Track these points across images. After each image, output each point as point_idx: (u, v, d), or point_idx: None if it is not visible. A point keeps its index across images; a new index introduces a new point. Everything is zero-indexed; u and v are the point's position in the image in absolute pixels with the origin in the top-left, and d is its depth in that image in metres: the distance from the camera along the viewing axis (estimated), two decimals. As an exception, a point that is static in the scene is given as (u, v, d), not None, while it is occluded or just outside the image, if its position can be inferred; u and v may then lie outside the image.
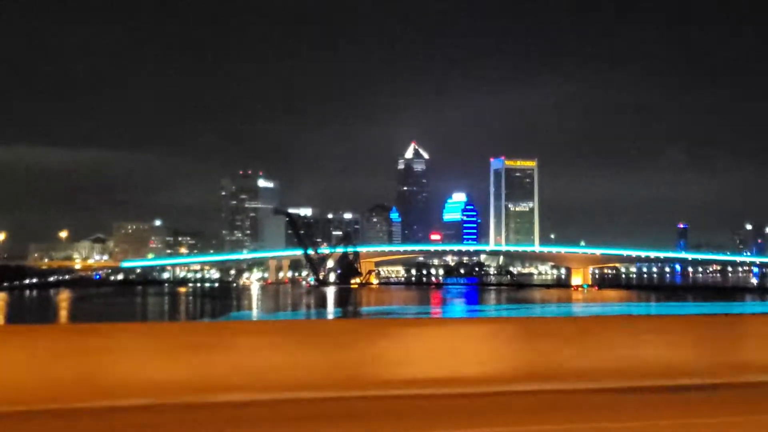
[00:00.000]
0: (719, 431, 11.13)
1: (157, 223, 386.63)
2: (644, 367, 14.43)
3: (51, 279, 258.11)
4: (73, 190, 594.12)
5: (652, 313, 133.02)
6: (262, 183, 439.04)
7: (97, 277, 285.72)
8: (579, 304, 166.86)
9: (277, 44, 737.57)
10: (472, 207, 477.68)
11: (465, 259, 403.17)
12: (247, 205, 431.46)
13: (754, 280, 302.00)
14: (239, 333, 14.49)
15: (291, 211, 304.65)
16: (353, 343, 13.79)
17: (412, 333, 14.42)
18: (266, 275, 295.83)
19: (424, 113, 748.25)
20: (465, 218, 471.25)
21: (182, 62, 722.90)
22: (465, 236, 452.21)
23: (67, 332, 14.20)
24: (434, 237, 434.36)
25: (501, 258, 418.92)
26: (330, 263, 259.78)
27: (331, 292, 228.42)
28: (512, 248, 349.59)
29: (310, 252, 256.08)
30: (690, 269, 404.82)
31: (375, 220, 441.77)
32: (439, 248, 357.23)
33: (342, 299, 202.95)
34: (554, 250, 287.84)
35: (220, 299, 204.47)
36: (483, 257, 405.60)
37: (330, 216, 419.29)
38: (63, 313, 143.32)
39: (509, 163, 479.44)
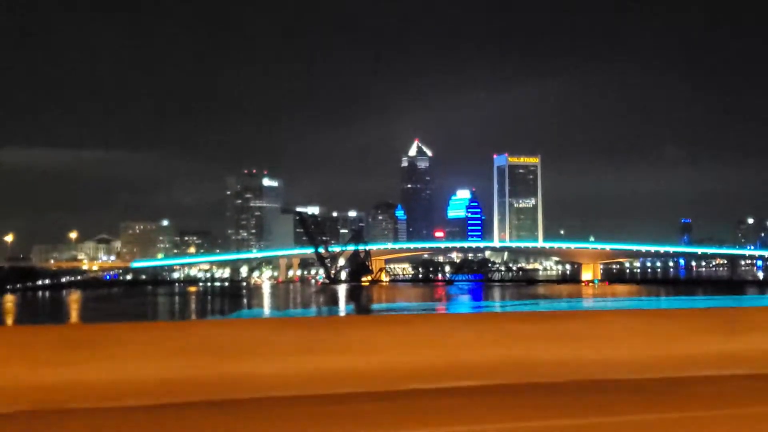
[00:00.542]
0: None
1: (165, 223, 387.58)
2: None
3: (63, 280, 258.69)
4: (74, 190, 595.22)
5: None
6: (266, 182, 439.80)
7: (107, 277, 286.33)
8: (602, 299, 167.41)
9: (279, 44, 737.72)
10: (476, 204, 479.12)
11: (470, 255, 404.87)
12: (251, 204, 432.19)
13: (760, 274, 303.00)
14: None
15: (299, 209, 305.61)
16: None
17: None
18: (276, 274, 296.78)
19: (427, 111, 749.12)
20: (469, 215, 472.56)
21: (184, 62, 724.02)
22: (470, 233, 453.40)
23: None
24: (438, 234, 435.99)
25: (506, 254, 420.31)
26: (341, 261, 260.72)
27: (342, 289, 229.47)
28: (522, 244, 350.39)
29: (321, 250, 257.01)
30: (693, 263, 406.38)
31: (380, 217, 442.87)
32: (449, 245, 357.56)
33: (353, 297, 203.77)
34: (564, 245, 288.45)
35: (232, 298, 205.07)
36: (488, 253, 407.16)
37: (335, 214, 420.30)
38: (84, 314, 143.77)
39: (512, 159, 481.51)
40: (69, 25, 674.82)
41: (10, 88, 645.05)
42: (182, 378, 10.96)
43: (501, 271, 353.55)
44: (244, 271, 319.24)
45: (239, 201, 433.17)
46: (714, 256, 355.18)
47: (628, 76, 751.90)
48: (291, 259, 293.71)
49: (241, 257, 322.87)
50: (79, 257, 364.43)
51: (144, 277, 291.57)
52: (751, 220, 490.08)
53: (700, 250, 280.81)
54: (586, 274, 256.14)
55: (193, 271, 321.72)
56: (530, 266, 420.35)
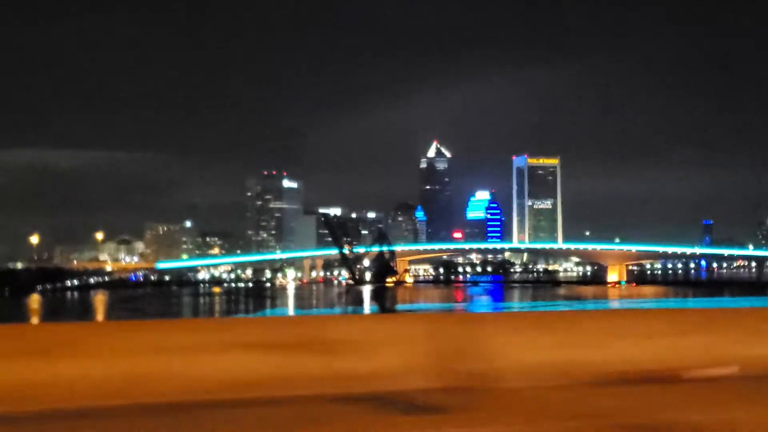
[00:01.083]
0: None
1: (188, 224, 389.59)
2: None
3: (91, 281, 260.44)
4: (92, 191, 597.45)
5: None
6: (286, 183, 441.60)
7: (133, 278, 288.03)
8: (639, 300, 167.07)
9: (297, 43, 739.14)
10: (495, 205, 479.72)
11: (489, 257, 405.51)
12: (272, 206, 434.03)
13: None
14: None
15: (322, 210, 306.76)
16: None
17: None
18: (300, 275, 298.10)
19: (445, 112, 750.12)
20: (489, 216, 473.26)
21: (200, 61, 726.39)
22: (489, 234, 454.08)
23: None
24: (456, 235, 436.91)
25: (525, 255, 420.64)
26: (365, 262, 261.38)
27: (367, 290, 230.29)
28: (546, 245, 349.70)
29: (346, 251, 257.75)
30: (715, 265, 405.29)
31: (400, 218, 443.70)
32: (471, 246, 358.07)
33: (378, 297, 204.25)
34: (589, 246, 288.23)
35: (257, 298, 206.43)
36: (507, 254, 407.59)
37: (354, 215, 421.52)
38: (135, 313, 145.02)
39: (532, 161, 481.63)
40: (88, 24, 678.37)
41: (29, 89, 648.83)
42: None
43: (531, 271, 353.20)
44: (267, 272, 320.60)
45: (259, 202, 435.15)
46: (736, 257, 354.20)
47: (645, 76, 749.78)
48: (315, 260, 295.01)
49: (266, 258, 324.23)
50: (101, 258, 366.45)
51: (167, 278, 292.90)
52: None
53: (726, 252, 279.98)
54: (612, 276, 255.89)
55: (218, 272, 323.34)
56: (550, 267, 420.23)
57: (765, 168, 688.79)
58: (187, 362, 11.62)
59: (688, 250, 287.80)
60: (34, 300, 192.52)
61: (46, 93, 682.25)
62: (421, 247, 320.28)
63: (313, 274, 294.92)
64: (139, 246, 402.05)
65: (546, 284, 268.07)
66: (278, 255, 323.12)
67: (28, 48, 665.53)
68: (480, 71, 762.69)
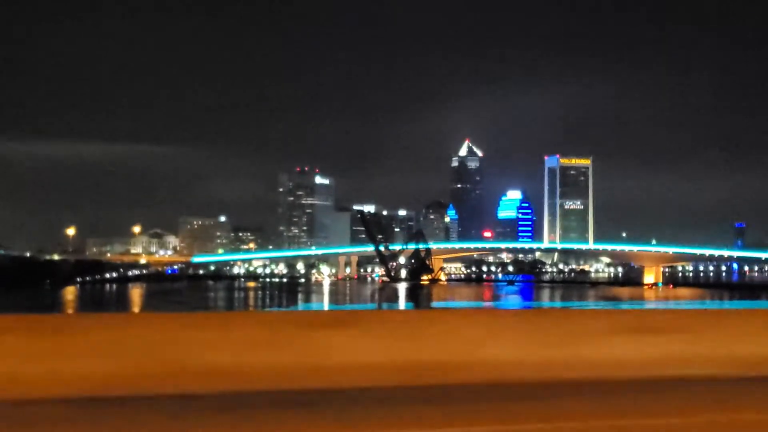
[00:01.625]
0: None
1: (222, 218, 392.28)
2: None
3: (130, 274, 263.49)
4: (121, 184, 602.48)
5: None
6: (318, 180, 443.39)
7: (169, 271, 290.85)
8: (685, 301, 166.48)
9: (332, 43, 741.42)
10: (528, 204, 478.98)
11: (520, 256, 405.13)
12: (303, 202, 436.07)
13: None
14: None
15: (358, 208, 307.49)
16: None
17: None
18: (334, 271, 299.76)
19: (477, 111, 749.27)
20: (521, 215, 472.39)
21: (236, 59, 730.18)
22: (520, 233, 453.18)
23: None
24: (486, 234, 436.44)
25: (556, 255, 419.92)
26: (401, 259, 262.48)
27: (402, 287, 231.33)
28: (579, 246, 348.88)
29: (382, 248, 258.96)
30: (746, 268, 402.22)
31: (432, 217, 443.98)
32: (507, 245, 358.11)
33: (413, 294, 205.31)
34: (626, 248, 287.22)
35: (292, 293, 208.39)
36: (537, 254, 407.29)
37: (385, 213, 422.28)
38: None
39: (564, 161, 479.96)
40: (121, 20, 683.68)
41: (59, 81, 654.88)
42: None
43: (562, 271, 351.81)
44: (299, 267, 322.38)
45: (291, 198, 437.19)
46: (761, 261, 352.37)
47: (679, 79, 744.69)
48: (349, 257, 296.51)
49: (300, 254, 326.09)
50: (133, 251, 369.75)
51: (201, 272, 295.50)
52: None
53: (764, 255, 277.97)
54: (648, 278, 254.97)
55: (252, 267, 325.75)
56: (581, 268, 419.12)
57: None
58: None
59: (725, 253, 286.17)
60: (70, 292, 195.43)
61: (78, 86, 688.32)
62: (456, 246, 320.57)
63: (347, 270, 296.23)
64: (171, 239, 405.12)
65: (580, 284, 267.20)
66: (313, 251, 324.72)
67: (65, 43, 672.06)
68: (513, 71, 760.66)
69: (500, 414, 10.57)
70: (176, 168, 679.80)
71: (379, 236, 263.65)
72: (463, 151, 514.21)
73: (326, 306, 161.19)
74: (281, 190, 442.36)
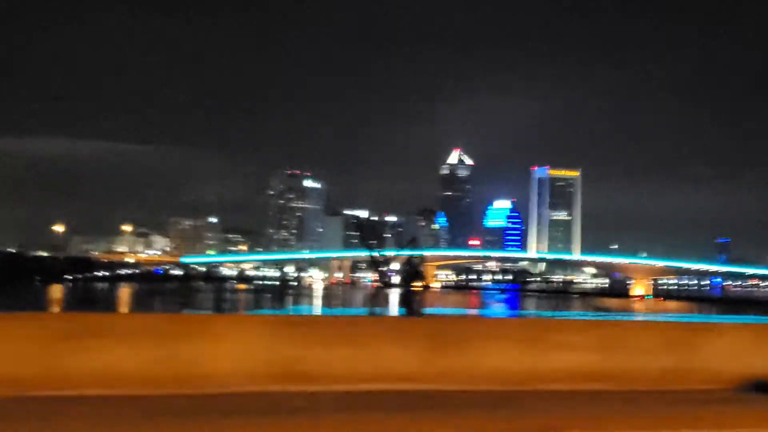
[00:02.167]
0: None
1: (213, 220, 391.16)
2: None
3: (121, 272, 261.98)
4: (106, 183, 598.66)
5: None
6: (309, 183, 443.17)
7: (158, 271, 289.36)
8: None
9: (323, 47, 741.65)
10: (517, 214, 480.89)
11: (508, 265, 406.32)
12: (293, 205, 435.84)
13: None
14: None
15: (348, 212, 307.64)
16: None
17: None
18: (327, 275, 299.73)
19: (468, 120, 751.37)
20: (509, 225, 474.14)
21: (226, 61, 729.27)
22: (507, 243, 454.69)
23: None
24: (473, 242, 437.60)
25: (543, 265, 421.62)
26: (395, 265, 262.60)
27: (395, 293, 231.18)
28: (570, 256, 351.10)
29: (375, 254, 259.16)
30: (729, 283, 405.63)
31: (422, 224, 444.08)
32: (501, 254, 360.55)
33: (406, 300, 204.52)
34: (616, 260, 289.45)
35: (286, 296, 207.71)
36: (524, 264, 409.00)
37: (376, 218, 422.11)
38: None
39: (552, 172, 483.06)
40: (110, 15, 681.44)
41: (44, 77, 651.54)
42: None
43: (549, 281, 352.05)
44: (289, 270, 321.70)
45: (281, 201, 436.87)
46: (750, 276, 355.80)
47: (664, 92, 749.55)
48: (342, 261, 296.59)
49: (292, 257, 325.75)
50: (118, 250, 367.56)
51: (182, 273, 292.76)
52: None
53: (752, 270, 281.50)
54: (637, 290, 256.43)
55: (243, 269, 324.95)
56: (568, 279, 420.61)
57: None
58: None
59: (713, 268, 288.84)
60: (57, 290, 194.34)
61: (66, 83, 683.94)
62: (450, 253, 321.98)
63: (338, 275, 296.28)
64: (157, 239, 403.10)
65: (566, 294, 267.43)
66: (306, 254, 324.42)
67: (54, 39, 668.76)
68: (505, 82, 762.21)
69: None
70: (162, 168, 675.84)
71: (373, 242, 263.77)
72: (453, 159, 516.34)
73: (319, 310, 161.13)
74: (271, 192, 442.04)
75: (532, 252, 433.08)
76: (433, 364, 14.96)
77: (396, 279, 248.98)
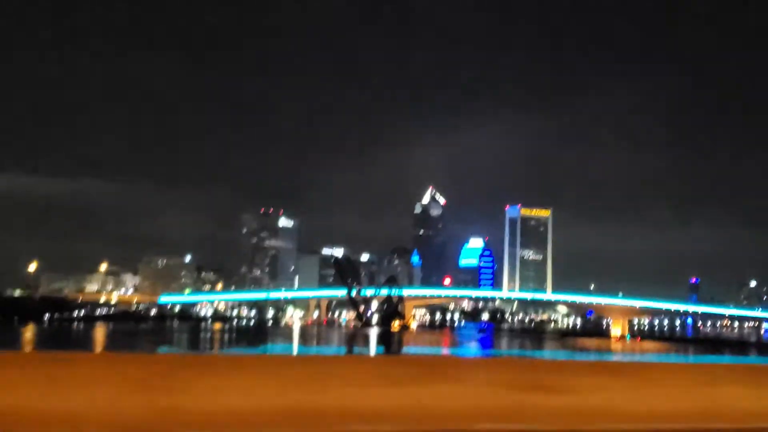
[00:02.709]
0: None
1: (187, 258, 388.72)
2: None
3: (97, 313, 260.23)
4: (73, 221, 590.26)
5: None
6: (282, 222, 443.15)
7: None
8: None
9: (295, 86, 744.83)
10: (489, 253, 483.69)
11: (480, 304, 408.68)
12: (266, 244, 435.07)
13: None
14: None
15: (326, 251, 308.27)
16: None
17: None
18: (304, 314, 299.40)
19: (441, 160, 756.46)
20: (482, 264, 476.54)
21: (194, 101, 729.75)
22: (481, 281, 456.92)
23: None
24: (446, 281, 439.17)
25: (515, 304, 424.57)
26: (374, 305, 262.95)
27: (374, 333, 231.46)
28: (556, 296, 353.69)
29: (354, 294, 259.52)
30: (700, 323, 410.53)
31: (396, 262, 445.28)
32: (480, 293, 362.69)
33: (385, 339, 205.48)
34: (595, 300, 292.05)
35: (262, 335, 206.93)
36: (497, 303, 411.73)
37: (352, 258, 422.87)
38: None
39: (525, 211, 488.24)
40: (73, 51, 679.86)
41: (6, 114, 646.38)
42: None
43: (523, 321, 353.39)
44: (265, 309, 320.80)
45: (254, 239, 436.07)
46: (722, 317, 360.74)
47: (639, 137, 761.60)
48: (319, 301, 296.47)
49: (269, 297, 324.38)
50: (89, 289, 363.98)
51: (156, 312, 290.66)
52: (753, 283, 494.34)
53: (728, 311, 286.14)
54: (615, 330, 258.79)
55: (219, 308, 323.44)
56: (541, 318, 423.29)
57: (749, 230, 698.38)
58: None
59: (690, 308, 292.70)
60: (29, 329, 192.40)
61: (27, 118, 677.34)
62: (427, 293, 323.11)
63: (315, 314, 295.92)
64: (128, 278, 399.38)
65: (538, 334, 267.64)
66: (283, 294, 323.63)
67: (13, 73, 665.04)
68: (477, 121, 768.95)
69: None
70: (130, 205, 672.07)
71: (352, 281, 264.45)
72: (426, 199, 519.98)
73: (295, 349, 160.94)
74: (244, 231, 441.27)
75: (505, 291, 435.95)
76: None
77: (375, 318, 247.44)
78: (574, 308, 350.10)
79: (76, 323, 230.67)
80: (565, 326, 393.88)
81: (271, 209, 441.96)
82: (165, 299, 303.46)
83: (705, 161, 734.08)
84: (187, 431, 14.10)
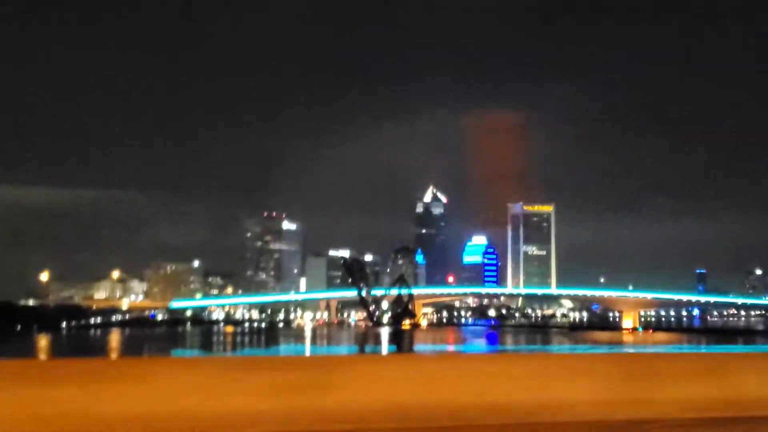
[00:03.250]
0: None
1: (196, 263, 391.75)
2: None
3: (113, 319, 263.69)
4: (79, 229, 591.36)
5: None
6: (285, 225, 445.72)
7: (153, 316, 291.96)
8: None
9: (295, 81, 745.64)
10: (492, 250, 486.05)
11: (485, 301, 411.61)
12: (271, 247, 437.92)
13: None
14: None
15: (332, 253, 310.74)
16: None
17: None
18: (316, 315, 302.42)
19: (443, 156, 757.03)
20: (486, 261, 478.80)
21: (192, 104, 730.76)
22: (486, 279, 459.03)
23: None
24: (449, 279, 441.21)
25: (521, 300, 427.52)
26: (384, 304, 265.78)
27: (385, 332, 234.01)
28: (565, 291, 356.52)
29: (364, 294, 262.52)
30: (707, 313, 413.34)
31: (400, 262, 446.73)
32: (484, 290, 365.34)
33: (397, 338, 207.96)
34: (606, 293, 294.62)
35: (275, 337, 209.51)
36: (503, 299, 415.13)
37: (360, 258, 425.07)
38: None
39: (527, 208, 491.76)
40: (83, 61, 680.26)
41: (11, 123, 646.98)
42: None
43: (529, 316, 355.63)
44: (276, 311, 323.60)
45: (259, 243, 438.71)
46: (729, 306, 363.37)
47: (646, 126, 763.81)
48: (329, 301, 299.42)
49: (280, 299, 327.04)
50: (99, 296, 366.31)
51: (168, 317, 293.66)
52: (759, 271, 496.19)
53: (740, 301, 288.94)
54: (627, 322, 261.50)
55: (231, 312, 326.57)
56: (549, 312, 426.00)
57: (750, 217, 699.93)
58: None
59: (701, 299, 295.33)
60: (42, 338, 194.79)
61: (33, 128, 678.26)
62: (437, 291, 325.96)
63: (325, 315, 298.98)
64: (135, 284, 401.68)
65: (546, 329, 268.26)
66: (294, 296, 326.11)
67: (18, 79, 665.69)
68: (479, 115, 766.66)
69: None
70: (133, 213, 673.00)
71: (361, 281, 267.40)
72: (427, 198, 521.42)
73: (307, 350, 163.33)
74: (248, 235, 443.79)
75: (509, 287, 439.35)
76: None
77: (386, 317, 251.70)
78: (579, 302, 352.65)
79: (92, 330, 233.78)
80: (572, 320, 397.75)
81: (274, 213, 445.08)
82: (177, 304, 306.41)
83: (706, 150, 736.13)
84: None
